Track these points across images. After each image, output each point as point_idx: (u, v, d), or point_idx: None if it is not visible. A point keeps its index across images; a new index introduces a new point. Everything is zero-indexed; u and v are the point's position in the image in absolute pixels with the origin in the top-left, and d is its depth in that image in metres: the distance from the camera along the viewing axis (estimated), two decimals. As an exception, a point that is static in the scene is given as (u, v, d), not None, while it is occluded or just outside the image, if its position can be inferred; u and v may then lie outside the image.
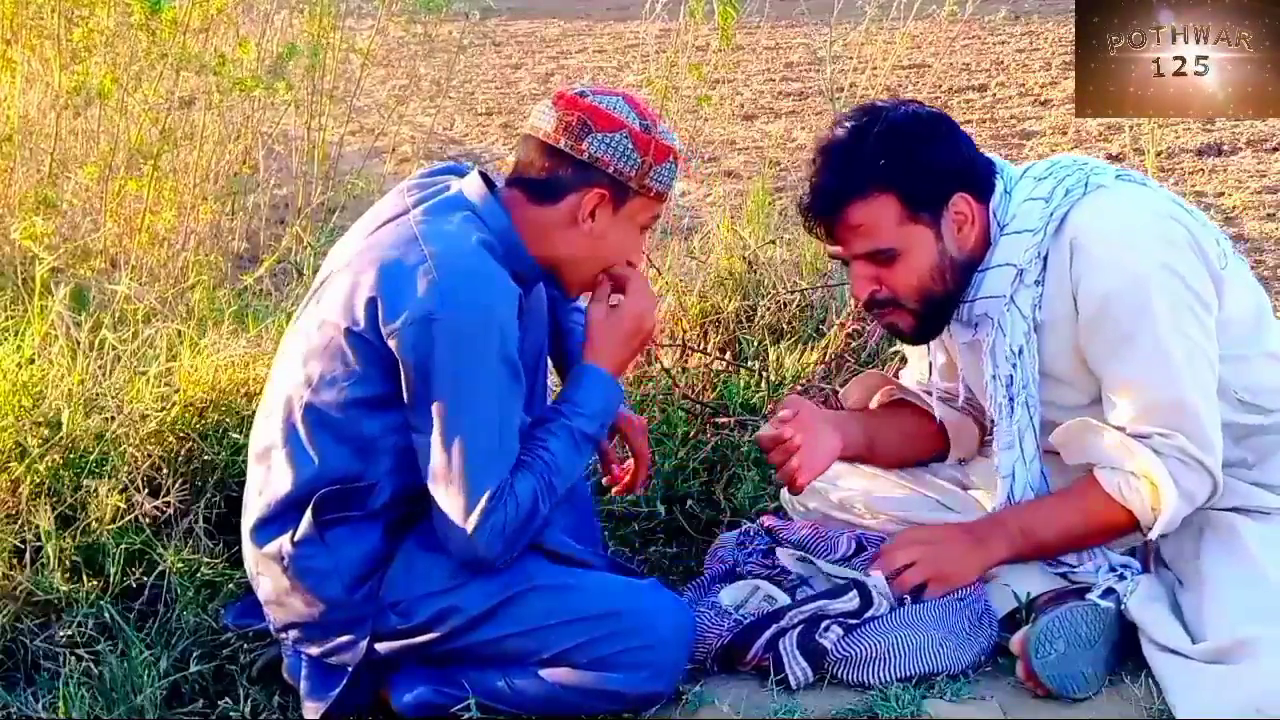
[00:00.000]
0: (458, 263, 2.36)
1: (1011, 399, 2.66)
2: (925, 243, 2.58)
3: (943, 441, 2.96)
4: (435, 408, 2.34)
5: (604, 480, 2.82)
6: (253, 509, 2.50)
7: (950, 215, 2.59)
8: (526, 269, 2.47)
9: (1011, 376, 2.65)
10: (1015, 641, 2.55)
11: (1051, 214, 2.58)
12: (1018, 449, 2.68)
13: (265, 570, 2.48)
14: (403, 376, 2.35)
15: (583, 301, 2.69)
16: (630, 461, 2.78)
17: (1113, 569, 2.67)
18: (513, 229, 2.46)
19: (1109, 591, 2.57)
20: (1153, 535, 2.58)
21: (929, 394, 2.93)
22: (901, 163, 2.54)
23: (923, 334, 2.71)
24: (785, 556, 2.82)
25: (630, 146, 2.44)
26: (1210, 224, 2.65)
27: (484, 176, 2.52)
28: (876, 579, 2.68)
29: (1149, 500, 2.55)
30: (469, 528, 2.36)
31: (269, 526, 2.47)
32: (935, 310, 2.64)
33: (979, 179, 2.63)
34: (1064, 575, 2.69)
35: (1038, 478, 2.70)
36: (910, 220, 2.57)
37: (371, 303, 2.36)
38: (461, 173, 2.57)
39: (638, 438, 2.80)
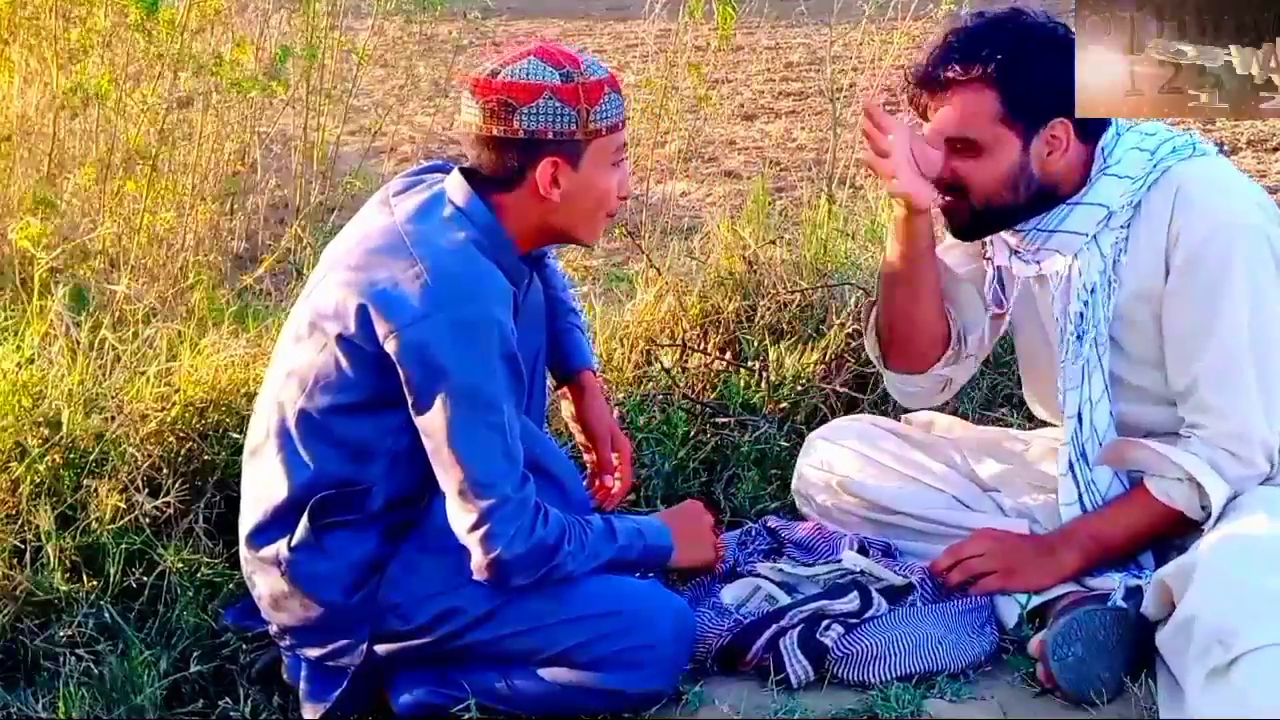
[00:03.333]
0: (448, 264, 2.35)
1: (1080, 335, 2.67)
2: (1009, 150, 2.60)
3: (944, 344, 2.87)
4: (440, 410, 2.32)
5: (586, 485, 2.81)
6: (248, 514, 2.50)
7: (1045, 135, 2.61)
8: (514, 263, 2.45)
9: (1082, 313, 2.66)
10: (1034, 644, 2.55)
11: (1155, 165, 2.62)
12: (1085, 389, 2.68)
13: (262, 574, 2.48)
14: (403, 382, 2.34)
15: (580, 298, 2.69)
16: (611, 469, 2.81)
17: (1130, 574, 2.66)
18: (498, 224, 2.43)
19: (1135, 592, 2.55)
20: (1209, 525, 2.57)
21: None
22: (1018, 67, 2.57)
23: (971, 231, 2.72)
24: (766, 569, 2.82)
25: (559, 105, 2.37)
26: None
27: (466, 173, 2.48)
28: (869, 567, 2.69)
29: (1197, 499, 2.58)
30: (482, 531, 2.35)
31: (265, 532, 2.46)
32: (993, 216, 2.66)
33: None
34: (1080, 582, 2.68)
35: (1105, 420, 2.69)
36: (1004, 123, 2.59)
37: (362, 309, 2.34)
38: (445, 171, 2.54)
39: (624, 462, 2.80)
